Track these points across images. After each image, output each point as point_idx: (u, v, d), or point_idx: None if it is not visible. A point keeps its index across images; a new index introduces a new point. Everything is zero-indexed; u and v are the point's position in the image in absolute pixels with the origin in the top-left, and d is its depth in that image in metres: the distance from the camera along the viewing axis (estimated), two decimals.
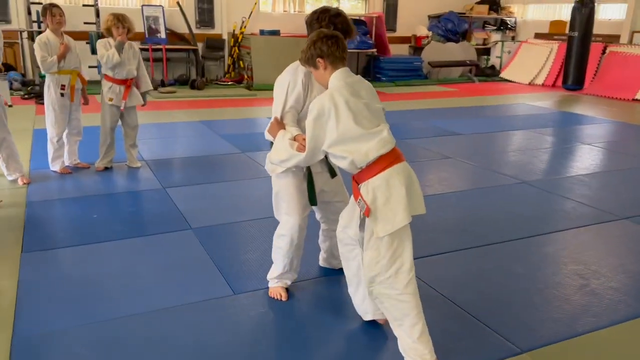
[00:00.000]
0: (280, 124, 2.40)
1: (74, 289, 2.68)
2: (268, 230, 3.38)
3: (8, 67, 8.80)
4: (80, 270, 2.89)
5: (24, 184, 4.06)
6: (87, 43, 8.70)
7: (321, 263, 2.94)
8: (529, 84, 11.29)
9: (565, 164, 5.35)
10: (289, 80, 2.42)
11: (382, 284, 2.07)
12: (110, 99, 4.42)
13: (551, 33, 11.72)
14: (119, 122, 4.61)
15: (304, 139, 2.18)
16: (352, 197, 2.21)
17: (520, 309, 2.59)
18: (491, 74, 12.18)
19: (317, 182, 2.53)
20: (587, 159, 5.52)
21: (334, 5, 11.65)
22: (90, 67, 8.44)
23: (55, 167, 4.44)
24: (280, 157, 2.31)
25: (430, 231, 3.48)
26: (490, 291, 2.76)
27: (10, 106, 4.21)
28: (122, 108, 4.46)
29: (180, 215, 3.64)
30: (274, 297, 2.61)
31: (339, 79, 2.14)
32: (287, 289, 2.65)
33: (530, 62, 11.54)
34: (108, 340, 2.27)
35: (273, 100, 2.49)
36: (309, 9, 11.42)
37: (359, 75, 2.26)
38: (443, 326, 2.39)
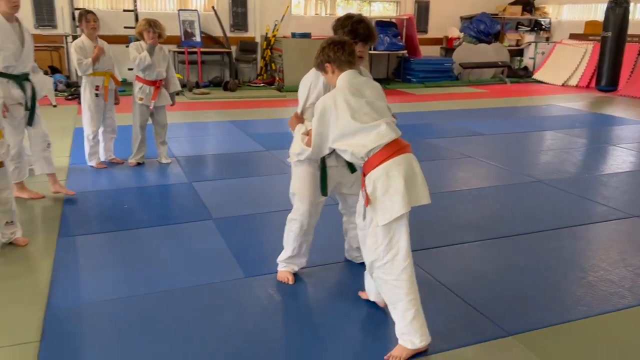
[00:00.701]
0: (299, 118, 2.60)
1: (103, 269, 2.96)
2: (284, 223, 3.60)
3: (53, 70, 9.35)
4: (110, 254, 3.17)
5: None
6: (126, 46, 9.12)
7: (345, 255, 3.08)
8: (562, 85, 11.16)
9: (587, 164, 5.36)
10: (312, 80, 2.60)
11: (379, 269, 2.24)
12: (141, 99, 4.73)
13: (586, 34, 11.54)
14: (150, 121, 4.91)
15: None
16: (354, 188, 2.39)
17: (513, 297, 2.71)
18: (524, 75, 12.09)
19: (333, 175, 2.68)
20: (610, 159, 5.51)
21: (365, 8, 11.84)
22: (129, 69, 8.87)
23: (92, 162, 4.79)
24: (295, 151, 2.60)
25: (440, 225, 3.62)
26: (487, 280, 2.89)
27: (54, 106, 4.54)
28: (151, 107, 4.76)
29: (203, 207, 3.90)
30: (281, 281, 2.81)
31: (344, 80, 2.31)
32: (294, 274, 2.84)
33: (564, 63, 11.40)
34: (131, 314, 2.52)
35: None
36: (340, 12, 11.64)
37: (367, 77, 2.42)
38: (436, 310, 2.54)
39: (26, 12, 9.11)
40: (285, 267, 2.85)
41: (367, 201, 2.19)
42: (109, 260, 3.08)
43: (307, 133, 2.48)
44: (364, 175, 2.25)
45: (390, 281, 2.22)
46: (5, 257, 3.07)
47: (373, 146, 2.17)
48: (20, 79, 3.63)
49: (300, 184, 2.69)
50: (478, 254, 3.23)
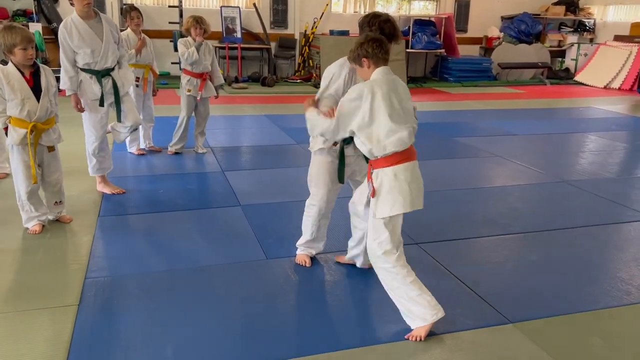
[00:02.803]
0: (315, 102, 2.68)
1: (138, 245, 3.23)
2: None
3: None
4: (144, 232, 3.44)
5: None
6: (170, 41, 9.53)
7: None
8: (604, 87, 10.94)
9: (615, 167, 5.32)
10: (334, 72, 2.73)
11: (379, 258, 2.39)
12: (189, 90, 5.02)
13: (632, 35, 11.26)
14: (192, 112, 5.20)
15: (334, 110, 2.45)
16: (366, 177, 2.54)
17: (520, 288, 2.81)
18: (565, 76, 11.89)
19: (350, 164, 2.83)
20: None
21: (405, 6, 11.89)
22: (172, 63, 9.26)
23: (132, 149, 5.11)
24: (310, 125, 2.59)
25: (458, 220, 3.74)
26: (497, 272, 3.00)
27: None
28: (198, 98, 5.04)
29: (233, 194, 4.13)
30: (299, 263, 3.00)
31: (381, 74, 2.40)
32: (312, 258, 3.03)
33: (607, 65, 11.16)
34: (160, 286, 2.76)
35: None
36: (380, 9, 11.72)
37: (396, 75, 2.52)
38: (442, 296, 2.67)
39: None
40: (303, 250, 3.04)
41: (373, 193, 2.36)
42: (143, 238, 3.34)
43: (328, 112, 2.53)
44: (372, 167, 2.40)
45: (389, 269, 2.37)
46: (52, 232, 3.38)
47: (392, 150, 2.31)
48: (101, 75, 3.77)
49: (317, 171, 2.87)
50: (491, 248, 3.33)
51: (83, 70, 3.77)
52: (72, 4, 3.69)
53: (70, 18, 3.68)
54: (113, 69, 3.86)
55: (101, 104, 3.85)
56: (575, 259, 3.19)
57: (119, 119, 3.98)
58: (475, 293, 2.74)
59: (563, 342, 2.35)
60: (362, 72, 2.46)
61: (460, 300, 2.67)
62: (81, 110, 3.84)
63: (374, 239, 2.38)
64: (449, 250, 3.26)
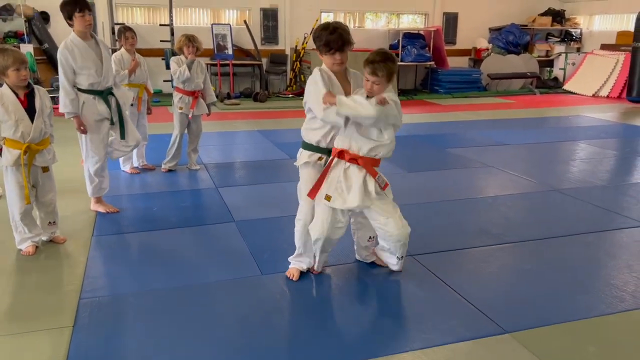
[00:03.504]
0: (333, 95, 2.65)
1: (132, 264, 3.22)
2: None
3: None
4: (139, 251, 3.44)
5: None
6: (162, 59, 9.58)
7: (356, 256, 3.24)
8: (593, 95, 11.07)
9: (606, 174, 5.38)
10: (315, 79, 2.78)
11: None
12: (180, 108, 5.04)
13: (618, 44, 11.43)
14: (185, 130, 5.21)
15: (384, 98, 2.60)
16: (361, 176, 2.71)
17: (515, 298, 2.83)
18: (554, 85, 12.03)
19: None
20: (633, 170, 5.52)
21: (394, 20, 12.01)
22: (164, 80, 9.30)
23: (126, 167, 5.11)
24: (351, 106, 2.61)
25: (450, 231, 3.76)
26: (491, 282, 3.02)
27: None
28: (190, 116, 5.06)
29: (227, 210, 4.14)
30: (288, 276, 3.00)
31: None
32: (301, 272, 3.02)
33: (594, 74, 11.31)
34: (156, 306, 2.75)
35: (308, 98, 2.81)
36: (369, 24, 11.86)
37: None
38: (438, 307, 2.69)
39: (69, 28, 9.64)
40: (293, 264, 3.04)
41: (386, 185, 2.78)
42: (138, 257, 3.34)
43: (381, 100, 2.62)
44: (372, 166, 2.72)
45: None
46: (46, 253, 3.37)
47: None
48: (105, 94, 3.83)
49: (302, 185, 2.91)
50: (485, 258, 3.35)
51: (86, 91, 3.77)
52: (70, 25, 3.70)
53: (69, 39, 3.69)
54: (112, 88, 3.91)
55: (112, 122, 3.89)
56: (569, 267, 3.22)
57: (122, 137, 3.99)
58: (471, 303, 2.75)
59: (559, 350, 2.36)
60: (384, 88, 2.68)
61: (455, 311, 2.68)
62: (84, 132, 3.83)
63: (399, 216, 2.82)
64: (443, 261, 3.27)
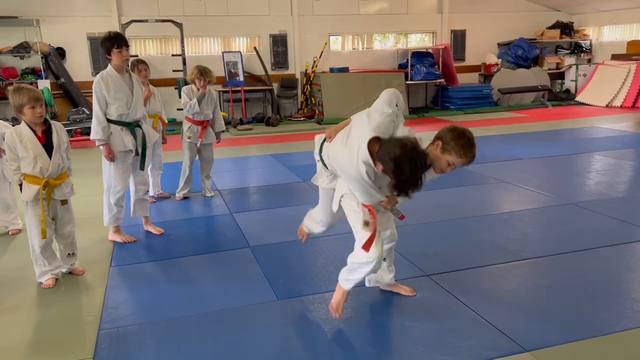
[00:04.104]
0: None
1: (150, 294, 3.25)
2: (314, 249, 3.82)
3: None
4: (156, 280, 3.46)
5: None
6: (175, 88, 9.76)
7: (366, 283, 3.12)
8: (606, 106, 10.99)
9: (623, 186, 5.31)
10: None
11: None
12: (189, 137, 5.12)
13: (629, 53, 11.37)
14: (197, 157, 5.28)
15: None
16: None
17: (534, 315, 2.79)
18: (566, 98, 11.98)
19: None
20: None
21: (402, 40, 12.10)
22: (178, 109, 9.45)
23: None
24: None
25: (466, 249, 3.73)
26: (509, 300, 2.98)
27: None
28: (198, 145, 5.13)
29: (242, 236, 4.16)
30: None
31: None
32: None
33: (607, 84, 11.25)
34: (175, 334, 2.76)
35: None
36: (377, 45, 11.97)
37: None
38: (455, 327, 2.67)
39: (84, 61, 9.92)
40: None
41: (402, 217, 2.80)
42: (155, 286, 3.36)
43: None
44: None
45: None
46: (66, 285, 3.42)
47: None
48: (133, 126, 3.96)
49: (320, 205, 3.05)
50: (503, 275, 3.32)
51: (115, 122, 3.91)
52: (108, 59, 3.90)
53: (105, 72, 3.90)
54: (140, 120, 4.04)
55: (137, 154, 4.02)
56: (588, 281, 3.17)
57: (142, 168, 4.14)
58: (489, 322, 2.72)
59: None
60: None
61: (474, 331, 2.65)
62: (112, 159, 3.96)
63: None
64: (460, 280, 3.25)
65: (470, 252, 3.67)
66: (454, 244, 3.85)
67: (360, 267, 2.64)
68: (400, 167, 2.25)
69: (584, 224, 4.19)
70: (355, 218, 2.65)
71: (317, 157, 2.89)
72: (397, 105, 2.52)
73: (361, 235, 2.61)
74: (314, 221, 3.21)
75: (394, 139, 2.37)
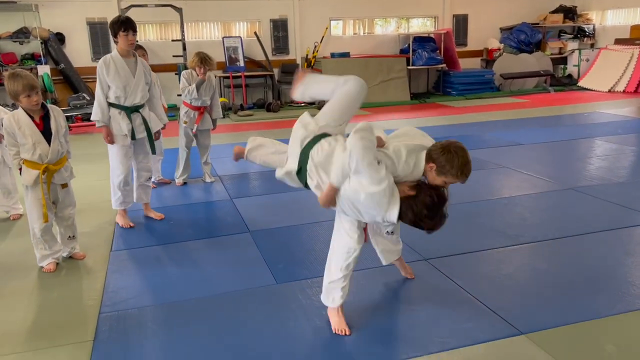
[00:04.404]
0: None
1: (150, 278, 3.28)
2: (313, 234, 3.84)
3: None
4: (156, 264, 3.49)
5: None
6: (175, 74, 9.72)
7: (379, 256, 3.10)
8: (609, 91, 10.93)
9: (623, 170, 5.30)
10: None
11: None
12: (185, 122, 5.12)
13: (633, 38, 11.28)
14: (195, 143, 5.28)
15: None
16: None
17: (531, 299, 2.81)
18: (568, 83, 11.91)
19: None
20: None
21: (403, 24, 12.01)
22: (178, 95, 9.41)
23: None
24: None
25: (465, 233, 3.74)
26: (507, 284, 3.00)
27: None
28: (193, 131, 5.13)
29: (242, 221, 4.18)
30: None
31: None
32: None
33: (610, 69, 11.17)
34: (174, 318, 2.79)
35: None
36: (379, 30, 11.89)
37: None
38: (453, 311, 2.69)
39: (84, 46, 9.88)
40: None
41: None
42: (156, 270, 3.39)
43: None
44: None
45: None
46: (67, 269, 3.45)
47: None
48: (130, 111, 3.97)
49: None
50: (501, 259, 3.33)
51: (112, 105, 3.93)
52: (115, 42, 3.91)
53: (109, 55, 3.93)
54: (142, 106, 4.04)
55: (133, 138, 4.02)
56: (586, 266, 3.18)
57: (153, 152, 4.20)
58: (486, 306, 2.74)
59: (577, 350, 2.34)
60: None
61: (471, 314, 2.67)
62: (111, 142, 3.99)
63: None
64: (458, 264, 3.27)
65: (468, 237, 3.68)
66: (452, 228, 3.81)
67: (337, 280, 2.57)
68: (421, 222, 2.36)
69: (583, 209, 4.19)
70: (339, 238, 2.58)
71: (295, 155, 2.67)
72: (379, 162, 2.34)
73: (337, 256, 2.57)
74: (277, 158, 3.03)
75: (423, 195, 2.34)
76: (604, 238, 3.58)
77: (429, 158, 2.39)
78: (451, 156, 2.33)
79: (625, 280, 2.96)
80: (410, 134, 2.68)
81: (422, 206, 2.31)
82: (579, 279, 3.01)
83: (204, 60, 4.92)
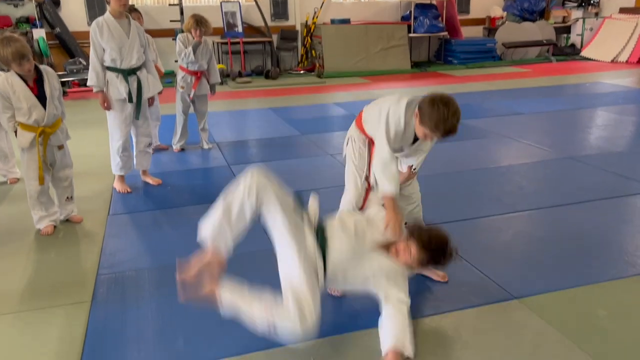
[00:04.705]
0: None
1: (148, 241, 3.29)
2: None
3: None
4: (154, 229, 3.50)
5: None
6: (172, 39, 9.56)
7: None
8: (612, 61, 10.81)
9: (622, 140, 5.28)
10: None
11: None
12: (182, 87, 5.07)
13: (638, 7, 11.10)
14: (192, 109, 5.24)
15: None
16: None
17: (526, 265, 2.83)
18: (571, 52, 11.77)
19: None
20: None
21: None
22: (176, 61, 9.30)
23: None
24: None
25: (462, 200, 3.75)
26: (502, 250, 3.02)
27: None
28: (190, 96, 5.08)
29: None
30: None
31: None
32: None
33: (613, 39, 11.03)
34: (170, 280, 2.76)
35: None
36: None
37: None
38: (448, 276, 2.71)
39: (79, 10, 9.70)
40: None
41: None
42: (153, 234, 3.40)
43: None
44: None
45: None
46: (64, 232, 3.46)
47: None
48: (127, 74, 3.91)
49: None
50: (497, 227, 3.35)
51: (109, 68, 3.88)
52: (107, 3, 3.84)
53: (101, 17, 3.85)
54: (139, 69, 3.98)
55: (130, 100, 3.97)
56: (582, 233, 3.20)
57: (137, 117, 4.10)
58: (480, 271, 2.76)
59: (568, 315, 2.37)
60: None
61: (465, 279, 2.69)
62: (108, 108, 3.95)
63: None
64: (454, 231, 3.20)
65: (465, 204, 3.69)
66: (449, 196, 3.87)
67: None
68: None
69: (581, 178, 4.19)
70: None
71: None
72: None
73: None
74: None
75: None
76: (600, 206, 3.59)
77: (419, 106, 2.37)
78: (433, 108, 2.29)
79: (619, 248, 2.98)
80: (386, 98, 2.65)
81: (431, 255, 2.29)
82: (573, 247, 3.03)
83: (199, 22, 4.84)
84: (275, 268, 2.27)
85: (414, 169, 2.68)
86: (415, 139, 2.54)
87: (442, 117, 2.28)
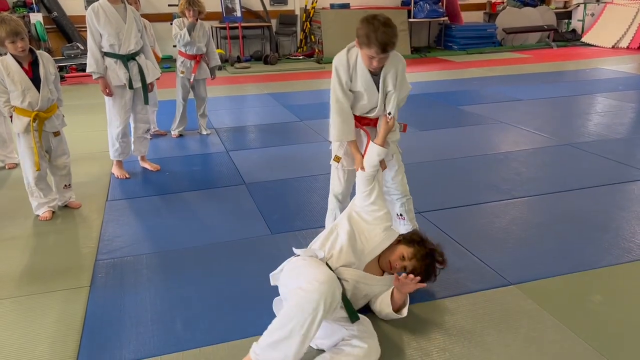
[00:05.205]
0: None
1: (146, 227, 3.30)
2: (309, 187, 3.85)
3: None
4: (152, 214, 3.51)
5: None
6: (171, 24, 9.48)
7: None
8: (613, 47, 10.75)
9: (621, 127, 5.27)
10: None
11: None
12: (182, 72, 5.05)
13: None
14: (192, 94, 5.22)
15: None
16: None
17: (522, 251, 2.84)
18: (572, 38, 11.70)
19: None
20: None
21: None
22: (174, 46, 9.24)
23: None
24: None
25: (460, 187, 3.76)
26: (499, 237, 3.03)
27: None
28: (191, 80, 5.06)
29: (237, 173, 4.18)
30: None
31: None
32: None
33: (614, 25, 10.96)
34: (169, 265, 2.83)
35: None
36: None
37: None
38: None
39: None
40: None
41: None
42: (151, 220, 3.41)
43: None
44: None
45: None
46: (62, 218, 3.47)
47: None
48: (126, 59, 3.89)
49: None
50: (494, 213, 3.35)
51: (108, 54, 3.86)
52: None
53: (97, 3, 3.82)
54: (138, 54, 3.96)
55: (130, 87, 3.95)
56: (578, 220, 3.21)
57: (145, 102, 4.11)
58: (477, 257, 2.78)
59: (563, 300, 2.39)
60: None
61: (462, 265, 2.71)
62: (109, 94, 3.93)
63: None
64: (451, 217, 3.29)
65: (463, 191, 3.70)
66: (447, 182, 3.88)
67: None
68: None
69: (579, 164, 4.19)
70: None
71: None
72: None
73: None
74: None
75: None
76: (597, 193, 3.59)
77: (356, 35, 2.37)
78: (363, 25, 2.32)
79: (616, 234, 2.99)
80: None
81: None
82: (570, 233, 3.04)
83: (192, 2, 4.81)
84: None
85: (390, 115, 2.56)
86: (374, 78, 2.48)
87: (372, 28, 2.29)
